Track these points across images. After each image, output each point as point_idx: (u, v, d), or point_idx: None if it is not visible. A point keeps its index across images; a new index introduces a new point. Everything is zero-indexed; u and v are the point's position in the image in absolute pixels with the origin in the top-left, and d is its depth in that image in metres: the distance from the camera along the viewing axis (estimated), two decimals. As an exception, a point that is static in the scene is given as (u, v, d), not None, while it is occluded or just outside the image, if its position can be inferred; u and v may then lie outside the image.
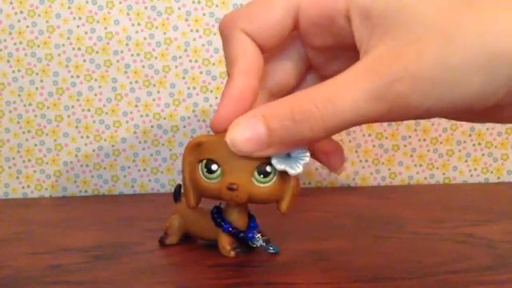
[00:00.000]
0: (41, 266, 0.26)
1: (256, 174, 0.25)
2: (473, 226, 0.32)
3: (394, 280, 0.23)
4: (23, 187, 0.46)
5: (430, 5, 0.21)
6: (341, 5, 0.24)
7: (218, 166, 0.25)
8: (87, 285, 0.23)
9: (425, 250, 0.28)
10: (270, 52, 0.27)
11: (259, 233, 0.28)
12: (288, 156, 0.25)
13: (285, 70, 0.28)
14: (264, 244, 0.27)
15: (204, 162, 0.25)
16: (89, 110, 0.46)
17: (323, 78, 0.28)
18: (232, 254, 0.27)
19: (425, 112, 0.21)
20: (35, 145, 0.46)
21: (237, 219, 0.27)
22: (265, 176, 0.25)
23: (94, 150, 0.46)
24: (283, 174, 0.25)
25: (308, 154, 0.24)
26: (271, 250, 0.28)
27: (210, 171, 0.25)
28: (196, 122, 0.47)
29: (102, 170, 0.47)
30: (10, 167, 0.46)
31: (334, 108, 0.22)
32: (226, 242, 0.27)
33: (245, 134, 0.24)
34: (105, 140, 0.46)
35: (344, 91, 0.22)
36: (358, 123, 0.22)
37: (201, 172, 0.26)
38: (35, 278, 0.24)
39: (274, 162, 0.25)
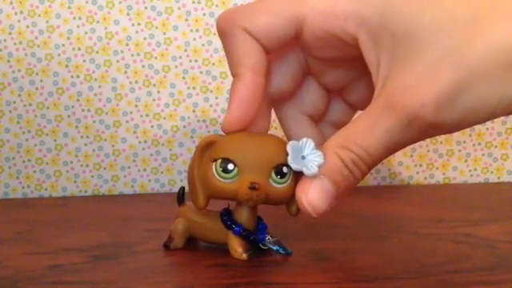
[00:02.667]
0: (41, 265, 0.26)
1: (273, 174, 0.25)
2: (473, 226, 0.32)
3: (394, 280, 0.23)
4: (23, 187, 0.46)
5: (438, 30, 0.22)
6: (350, 26, 0.24)
7: (235, 165, 0.25)
8: (87, 285, 0.23)
9: (425, 250, 0.28)
10: (269, 55, 0.27)
11: (268, 234, 0.27)
12: (303, 157, 0.25)
13: (284, 75, 0.28)
14: (275, 245, 0.27)
15: (219, 161, 0.25)
16: (89, 110, 0.46)
17: (321, 83, 0.29)
18: (244, 256, 0.27)
19: (456, 130, 0.23)
20: (35, 145, 0.46)
21: (247, 221, 0.27)
22: (281, 177, 0.25)
23: (93, 150, 0.46)
24: (296, 176, 0.25)
25: (322, 156, 0.24)
26: (282, 251, 0.27)
27: (226, 171, 0.25)
28: (196, 122, 0.47)
29: (101, 170, 0.47)
30: (9, 167, 0.46)
31: (369, 154, 0.23)
32: (237, 245, 0.27)
33: (319, 195, 0.24)
34: (105, 140, 0.46)
35: (371, 138, 0.23)
36: (393, 152, 0.24)
37: (215, 171, 0.25)
38: (35, 278, 0.24)
39: (290, 162, 0.24)
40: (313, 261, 0.26)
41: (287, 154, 0.25)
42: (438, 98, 0.21)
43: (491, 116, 0.22)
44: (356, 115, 0.30)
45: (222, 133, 0.26)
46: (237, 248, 0.27)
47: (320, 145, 0.25)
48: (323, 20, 0.24)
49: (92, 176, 0.47)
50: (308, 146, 0.25)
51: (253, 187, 0.24)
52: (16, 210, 0.41)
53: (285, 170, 0.25)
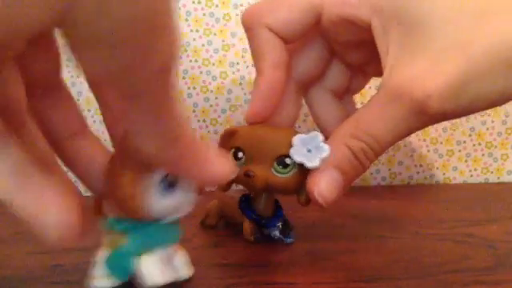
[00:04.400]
0: (41, 265, 0.26)
1: (275, 164, 0.26)
2: (473, 226, 0.32)
3: (394, 280, 0.23)
4: (23, 187, 0.46)
5: (446, 21, 0.23)
6: (364, 13, 0.25)
7: (243, 153, 0.27)
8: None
9: (425, 250, 0.28)
10: (293, 44, 0.29)
11: (282, 223, 0.29)
12: (308, 151, 0.25)
13: (311, 59, 0.30)
14: (280, 235, 0.29)
15: (233, 149, 0.27)
16: (89, 110, 0.46)
17: (344, 61, 0.30)
18: (251, 238, 0.29)
19: (462, 115, 0.23)
20: (35, 145, 0.46)
21: (262, 208, 0.29)
22: (284, 167, 0.26)
23: (94, 150, 0.46)
24: (305, 168, 0.26)
25: (327, 149, 0.25)
26: (287, 241, 0.29)
27: (236, 158, 0.27)
28: (196, 122, 0.46)
29: (102, 170, 0.47)
30: (10, 167, 0.46)
31: (378, 142, 0.24)
32: (247, 227, 0.29)
33: (328, 186, 0.25)
34: (105, 140, 0.46)
35: (380, 127, 0.24)
36: (401, 139, 0.25)
37: (231, 158, 0.27)
38: (35, 278, 0.24)
39: (292, 154, 0.25)
40: (313, 261, 0.26)
41: (291, 146, 0.26)
42: (444, 89, 0.22)
43: (491, 106, 0.23)
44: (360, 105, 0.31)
45: (220, 132, 0.29)
46: (247, 229, 0.29)
47: (344, 118, 0.27)
48: (339, 7, 0.26)
49: (92, 176, 0.47)
50: (315, 139, 0.25)
51: (247, 175, 0.26)
52: (16, 210, 0.41)
53: (288, 161, 0.26)
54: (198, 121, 0.46)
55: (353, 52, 0.30)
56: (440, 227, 0.32)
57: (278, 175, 0.26)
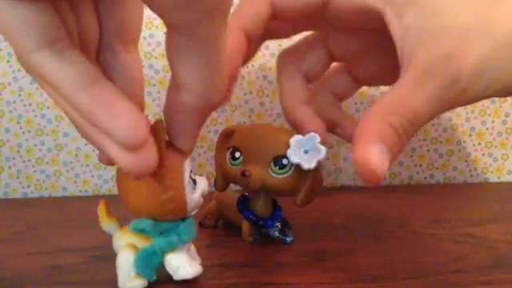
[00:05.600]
0: (41, 266, 0.26)
1: (272, 165, 0.26)
2: (473, 226, 0.32)
3: (394, 280, 0.23)
4: (23, 187, 0.46)
5: (462, 6, 0.24)
6: (377, 2, 0.26)
7: (241, 153, 0.27)
8: (87, 285, 0.23)
9: (425, 250, 0.28)
10: (285, 21, 0.29)
11: (280, 223, 0.29)
12: (305, 152, 0.26)
13: (314, 61, 0.31)
14: (279, 234, 0.29)
15: (230, 149, 0.28)
16: (89, 110, 0.46)
17: (328, 49, 0.31)
18: (250, 239, 0.29)
19: (478, 99, 0.25)
20: (35, 145, 0.46)
21: (260, 208, 0.29)
22: (280, 168, 0.26)
23: (94, 150, 0.46)
24: (301, 169, 0.26)
25: (324, 152, 0.25)
26: (286, 240, 0.29)
27: (234, 158, 0.27)
28: (196, 122, 0.46)
29: (101, 170, 0.47)
30: (10, 167, 0.46)
31: (416, 116, 0.24)
32: (245, 228, 0.29)
33: (381, 159, 0.22)
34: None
35: (420, 102, 0.24)
36: (437, 114, 0.25)
37: (228, 158, 0.28)
38: (35, 278, 0.24)
39: (289, 155, 0.26)
40: (313, 261, 0.26)
41: (289, 147, 0.26)
42: (471, 65, 0.23)
43: (507, 89, 0.24)
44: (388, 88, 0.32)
45: (220, 130, 0.29)
46: (245, 230, 0.29)
47: (302, 102, 0.29)
48: None
49: (92, 176, 0.47)
50: (312, 140, 0.26)
51: (244, 174, 0.26)
52: (16, 210, 0.41)
53: (285, 161, 0.26)
54: (198, 121, 0.46)
55: (343, 40, 0.31)
56: (440, 227, 0.32)
57: (275, 176, 0.26)
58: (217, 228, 0.32)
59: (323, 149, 0.25)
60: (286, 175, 0.26)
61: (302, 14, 0.28)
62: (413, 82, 0.24)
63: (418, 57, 0.24)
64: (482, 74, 0.23)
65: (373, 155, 0.22)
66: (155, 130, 0.21)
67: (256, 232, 0.29)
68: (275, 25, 0.29)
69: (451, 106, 0.25)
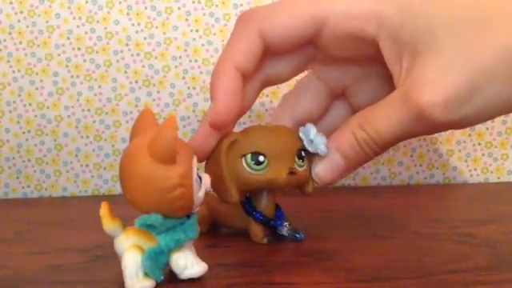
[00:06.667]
0: (41, 266, 0.26)
1: (296, 159, 0.27)
2: (473, 226, 0.32)
3: (394, 280, 0.23)
4: (23, 187, 0.46)
5: (452, 29, 0.23)
6: (370, 27, 0.25)
7: (265, 157, 0.27)
8: (87, 285, 0.23)
9: (425, 250, 0.28)
10: (279, 54, 0.28)
11: (286, 221, 0.29)
12: (311, 141, 0.27)
13: (308, 102, 0.31)
14: (290, 232, 0.29)
15: (249, 155, 0.27)
16: (89, 110, 0.46)
17: (352, 106, 0.31)
18: (265, 240, 0.29)
19: (460, 126, 0.25)
20: (35, 145, 0.46)
21: (266, 208, 0.29)
22: (302, 160, 0.27)
23: (93, 150, 0.46)
24: (310, 158, 0.28)
25: (324, 136, 0.27)
26: (297, 237, 0.29)
27: (258, 163, 0.27)
28: (196, 122, 0.46)
29: (101, 170, 0.47)
30: (9, 167, 0.46)
31: (382, 139, 0.25)
32: (258, 230, 0.29)
33: (324, 169, 0.27)
34: (105, 140, 0.46)
35: (386, 125, 0.25)
36: (404, 140, 0.26)
37: (246, 166, 0.27)
38: (35, 278, 0.24)
39: (307, 146, 0.27)
40: (313, 261, 0.26)
41: (302, 140, 0.27)
42: (449, 99, 0.22)
43: (497, 114, 0.24)
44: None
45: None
46: (257, 233, 0.29)
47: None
48: (344, 21, 0.26)
49: (92, 176, 0.47)
50: (312, 129, 0.27)
51: (291, 172, 0.26)
52: (16, 210, 0.41)
53: (303, 153, 0.27)
54: (198, 121, 0.46)
55: (336, 69, 0.30)
56: (440, 227, 0.32)
57: (300, 169, 0.27)
58: (210, 233, 0.31)
59: (322, 135, 0.27)
60: (305, 167, 0.27)
61: (295, 44, 0.27)
62: (389, 105, 0.25)
63: (405, 81, 0.24)
64: (466, 102, 0.23)
65: (319, 166, 0.27)
66: (170, 123, 0.21)
67: (268, 233, 0.29)
68: (271, 66, 0.29)
69: (426, 133, 0.25)
